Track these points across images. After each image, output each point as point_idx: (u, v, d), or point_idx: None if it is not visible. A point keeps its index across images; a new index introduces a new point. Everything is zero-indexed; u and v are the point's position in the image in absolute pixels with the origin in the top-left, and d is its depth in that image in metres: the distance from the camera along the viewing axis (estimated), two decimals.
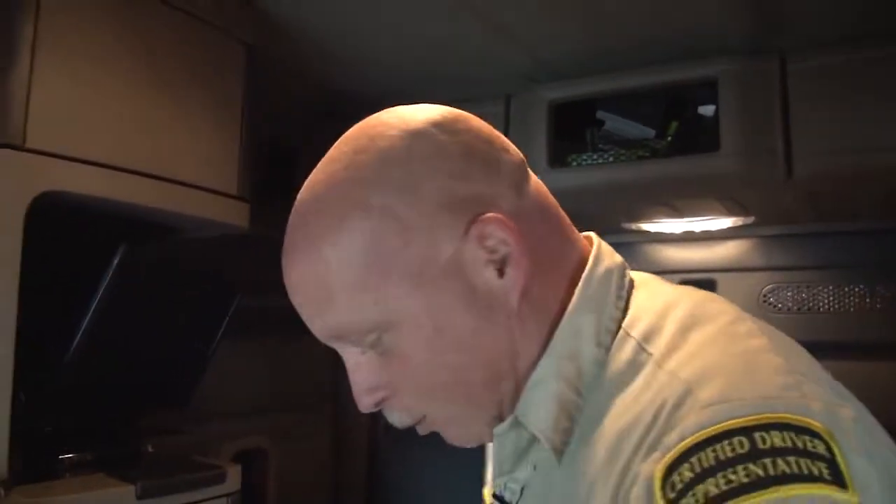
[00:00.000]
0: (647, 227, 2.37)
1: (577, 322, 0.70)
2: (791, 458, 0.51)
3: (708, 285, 2.45)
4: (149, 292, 1.75)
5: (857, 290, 2.28)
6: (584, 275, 0.72)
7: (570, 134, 2.06)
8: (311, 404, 3.01)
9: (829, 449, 0.52)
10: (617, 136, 2.02)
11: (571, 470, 0.66)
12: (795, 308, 2.34)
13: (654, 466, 0.55)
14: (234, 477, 1.78)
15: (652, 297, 0.73)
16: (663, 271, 2.50)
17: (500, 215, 0.68)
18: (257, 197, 1.87)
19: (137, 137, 1.55)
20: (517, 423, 0.72)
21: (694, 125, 1.93)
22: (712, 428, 0.53)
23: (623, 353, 0.68)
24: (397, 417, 0.74)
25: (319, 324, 0.71)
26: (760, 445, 0.51)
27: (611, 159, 1.97)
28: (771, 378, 0.58)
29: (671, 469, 0.53)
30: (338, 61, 2.05)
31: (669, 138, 1.94)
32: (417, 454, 3.01)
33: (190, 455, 1.91)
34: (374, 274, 0.66)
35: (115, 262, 1.58)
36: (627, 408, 0.62)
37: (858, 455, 0.52)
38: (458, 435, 0.76)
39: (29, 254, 1.39)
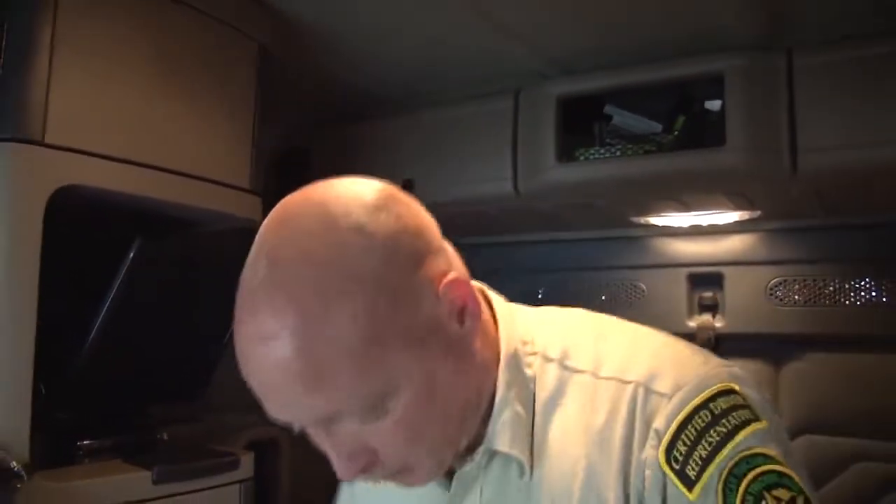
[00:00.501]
0: (654, 220, 2.39)
1: (511, 357, 0.83)
2: (735, 413, 0.74)
3: (715, 279, 2.47)
4: (163, 286, 1.78)
5: (863, 283, 2.29)
6: (499, 317, 0.86)
7: (578, 129, 2.08)
8: None
9: (742, 398, 0.75)
10: (624, 130, 2.04)
11: (544, 475, 0.79)
12: (801, 301, 2.36)
13: (656, 451, 0.74)
14: (247, 464, 1.81)
15: (541, 323, 0.88)
16: (672, 265, 2.53)
17: (457, 274, 0.76)
18: (269, 196, 1.91)
19: (152, 133, 1.59)
20: (487, 452, 0.80)
21: (701, 120, 1.94)
22: (683, 412, 0.74)
23: (548, 375, 0.82)
24: (379, 474, 0.77)
25: (310, 408, 0.69)
26: (716, 412, 0.74)
27: (618, 153, 1.99)
28: (693, 362, 0.79)
29: (669, 449, 0.73)
30: (344, 60, 2.07)
31: (676, 133, 1.96)
32: None
33: (204, 443, 1.94)
34: (374, 344, 0.67)
35: (131, 255, 1.62)
36: (586, 413, 0.79)
37: (754, 395, 0.77)
38: (427, 474, 0.79)
39: (47, 248, 1.43)
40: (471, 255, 3.07)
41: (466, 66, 2.09)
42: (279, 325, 0.66)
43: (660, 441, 0.73)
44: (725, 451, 0.72)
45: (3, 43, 1.42)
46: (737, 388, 0.76)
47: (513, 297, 2.98)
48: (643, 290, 2.58)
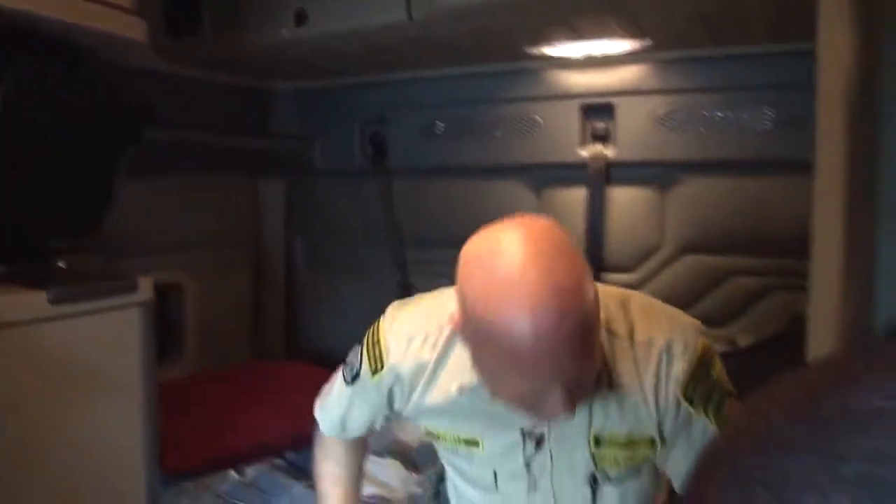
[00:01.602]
0: (548, 51, 2.41)
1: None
2: (716, 358, 1.23)
3: (607, 109, 2.54)
4: (49, 115, 1.73)
5: (747, 111, 2.39)
6: None
7: None
8: (230, 241, 3.05)
9: (712, 347, 1.24)
10: None
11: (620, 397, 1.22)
12: (690, 130, 2.45)
13: (677, 388, 1.19)
14: (146, 287, 1.82)
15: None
16: (565, 96, 2.57)
17: None
18: (165, 34, 1.86)
19: None
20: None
21: None
22: (691, 366, 1.19)
23: (607, 343, 1.21)
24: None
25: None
26: (708, 364, 1.21)
27: None
28: (684, 330, 1.22)
29: (685, 388, 1.19)
30: None
31: None
32: (333, 284, 3.10)
33: (101, 268, 1.94)
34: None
35: (11, 77, 1.57)
36: (635, 367, 1.20)
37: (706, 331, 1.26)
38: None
39: None
40: (370, 92, 3.04)
41: None
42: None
43: (678, 384, 1.18)
44: (715, 392, 1.20)
45: None
46: (707, 341, 1.23)
47: (413, 132, 2.98)
48: (539, 122, 2.63)
